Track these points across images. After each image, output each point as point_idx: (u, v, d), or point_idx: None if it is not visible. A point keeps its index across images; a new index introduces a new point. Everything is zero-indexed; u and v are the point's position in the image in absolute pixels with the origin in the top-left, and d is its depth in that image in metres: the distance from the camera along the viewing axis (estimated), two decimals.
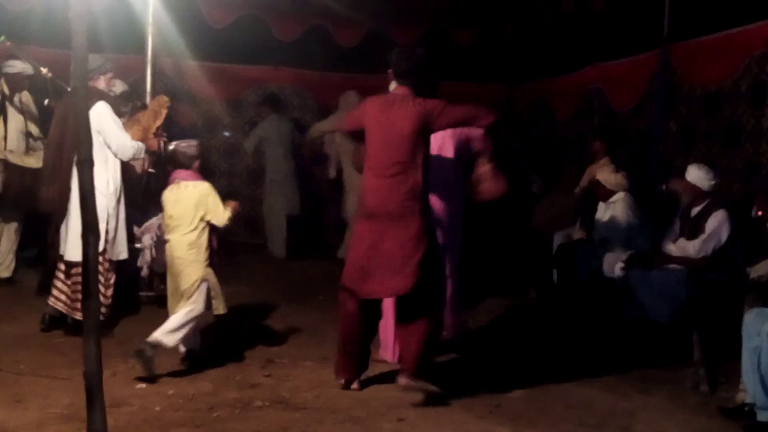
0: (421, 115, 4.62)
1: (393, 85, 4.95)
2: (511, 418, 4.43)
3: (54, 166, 5.74)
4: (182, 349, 5.05)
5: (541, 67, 9.86)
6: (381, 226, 4.60)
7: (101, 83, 5.76)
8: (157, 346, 4.81)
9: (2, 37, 6.66)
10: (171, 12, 7.06)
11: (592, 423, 4.40)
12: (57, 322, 5.78)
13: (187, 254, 5.00)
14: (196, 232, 5.03)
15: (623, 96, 8.37)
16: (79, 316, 5.49)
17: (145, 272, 6.62)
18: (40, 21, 7.84)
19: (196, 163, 5.18)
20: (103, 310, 5.52)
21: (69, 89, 6.16)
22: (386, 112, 4.69)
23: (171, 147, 5.24)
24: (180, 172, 5.12)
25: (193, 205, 5.02)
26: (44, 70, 6.60)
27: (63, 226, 5.71)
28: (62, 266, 5.79)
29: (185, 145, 5.18)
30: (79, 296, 5.48)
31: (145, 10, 6.87)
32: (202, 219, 5.04)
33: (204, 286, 5.01)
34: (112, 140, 5.62)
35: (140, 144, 5.83)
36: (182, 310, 4.93)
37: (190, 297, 4.97)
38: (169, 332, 4.86)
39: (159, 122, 6.07)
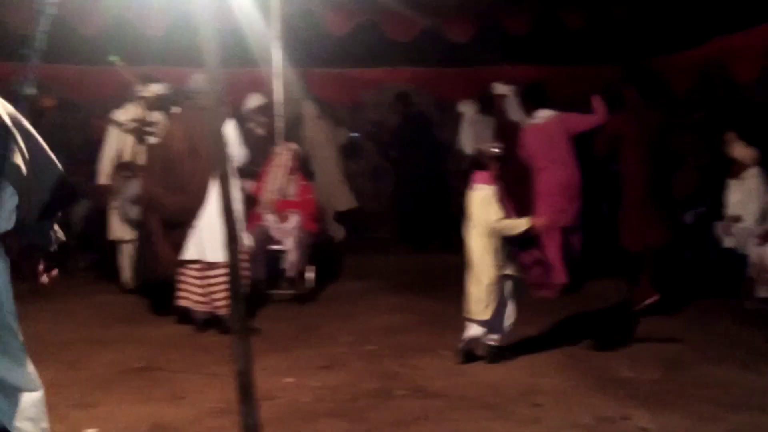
0: None
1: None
2: (646, 399, 4.46)
3: (183, 178, 6.06)
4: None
5: (657, 45, 9.61)
6: None
7: None
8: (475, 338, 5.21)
9: (116, 58, 7.12)
10: (293, 24, 7.38)
11: (729, 403, 4.37)
12: (207, 323, 6.15)
13: (479, 256, 5.16)
14: (486, 235, 5.13)
15: (745, 68, 8.11)
16: (222, 311, 5.95)
17: (290, 273, 7.06)
18: (113, 42, 8.40)
19: (495, 165, 5.22)
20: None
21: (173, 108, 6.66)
22: None
23: (478, 148, 5.50)
24: (477, 175, 5.24)
25: (480, 209, 5.16)
26: (151, 92, 7.22)
27: (193, 233, 6.04)
28: (190, 270, 6.13)
29: (488, 146, 5.37)
30: (218, 293, 5.98)
31: (269, 25, 7.25)
32: (488, 222, 5.12)
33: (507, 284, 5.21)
34: (235, 152, 6.01)
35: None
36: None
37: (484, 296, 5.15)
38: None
39: None
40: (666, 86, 9.49)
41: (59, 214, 2.96)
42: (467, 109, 9.59)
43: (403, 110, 10.04)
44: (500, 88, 8.63)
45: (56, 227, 2.98)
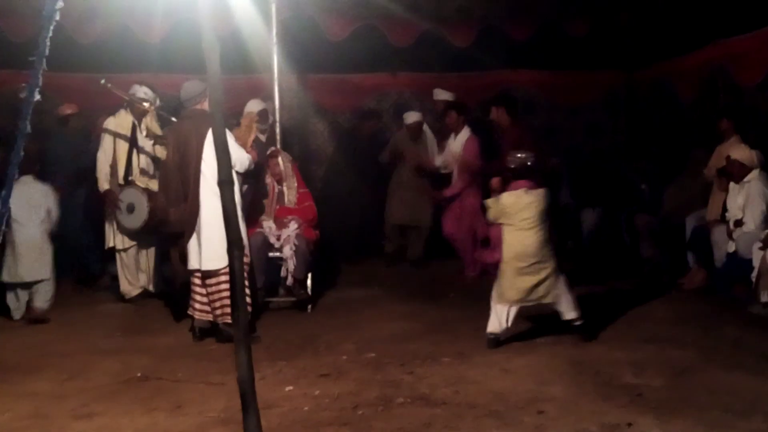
0: None
1: None
2: (653, 406, 4.39)
3: (179, 188, 6.05)
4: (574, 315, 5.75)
5: (661, 50, 9.59)
6: None
7: (206, 106, 6.01)
8: (574, 320, 5.73)
9: (103, 81, 7.12)
10: (292, 30, 7.36)
11: (739, 409, 4.30)
12: (207, 332, 6.13)
13: (547, 244, 5.67)
14: (544, 231, 5.66)
15: (748, 72, 8.07)
16: (221, 320, 5.99)
17: (290, 281, 7.03)
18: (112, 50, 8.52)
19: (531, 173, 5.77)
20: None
21: (173, 118, 6.66)
22: None
23: (511, 161, 5.82)
24: (522, 182, 5.71)
25: (541, 208, 5.64)
26: (147, 105, 7.20)
27: (193, 242, 6.03)
28: (194, 279, 6.14)
29: (523, 158, 5.77)
30: (216, 302, 6.00)
31: (269, 31, 7.25)
32: (545, 220, 5.68)
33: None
34: (233, 155, 5.92)
35: (250, 156, 6.28)
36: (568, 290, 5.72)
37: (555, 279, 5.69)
38: (573, 308, 5.70)
39: (252, 136, 6.51)
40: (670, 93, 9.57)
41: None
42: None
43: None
44: (442, 94, 8.79)
45: None
